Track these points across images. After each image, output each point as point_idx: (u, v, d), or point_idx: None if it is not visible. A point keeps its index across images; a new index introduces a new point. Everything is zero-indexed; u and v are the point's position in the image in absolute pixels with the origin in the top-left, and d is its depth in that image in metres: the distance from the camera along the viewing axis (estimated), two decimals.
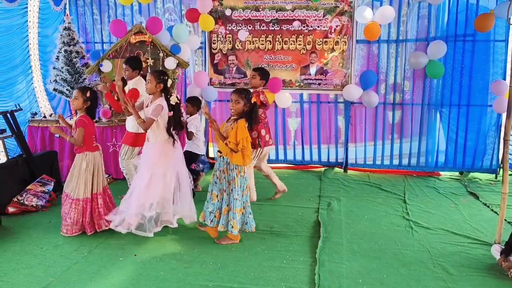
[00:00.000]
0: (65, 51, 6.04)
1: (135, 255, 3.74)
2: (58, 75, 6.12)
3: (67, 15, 6.40)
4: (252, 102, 3.92)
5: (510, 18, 3.77)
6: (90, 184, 4.18)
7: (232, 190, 3.93)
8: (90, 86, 4.83)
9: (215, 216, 4.03)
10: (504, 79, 5.91)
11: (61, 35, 6.11)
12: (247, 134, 3.89)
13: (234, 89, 4.07)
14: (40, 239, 4.06)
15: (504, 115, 5.44)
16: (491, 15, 5.58)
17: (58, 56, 6.11)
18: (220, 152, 4.00)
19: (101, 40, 6.93)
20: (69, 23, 6.16)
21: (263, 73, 5.09)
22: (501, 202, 3.86)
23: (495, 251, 3.67)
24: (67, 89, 6.13)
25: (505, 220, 3.97)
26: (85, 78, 6.18)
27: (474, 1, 5.99)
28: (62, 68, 6.08)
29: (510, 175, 5.77)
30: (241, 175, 3.92)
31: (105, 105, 5.92)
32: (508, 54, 5.91)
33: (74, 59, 6.09)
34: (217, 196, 4.04)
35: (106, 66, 5.77)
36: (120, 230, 4.02)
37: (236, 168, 3.90)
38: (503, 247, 3.63)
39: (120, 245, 3.93)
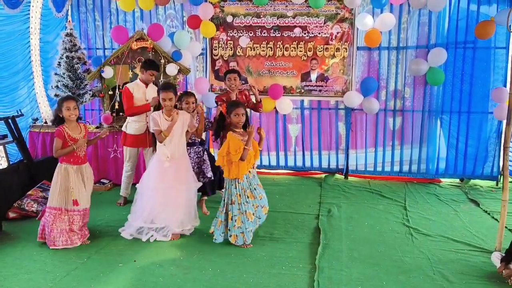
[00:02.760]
0: (67, 57, 6.07)
1: (135, 261, 3.74)
2: (59, 81, 6.14)
3: (69, 21, 6.42)
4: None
5: (510, 26, 3.77)
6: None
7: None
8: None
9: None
10: (505, 86, 5.91)
11: (62, 41, 6.14)
12: None
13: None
14: (40, 245, 4.07)
15: (504, 122, 5.44)
16: (491, 22, 5.59)
17: (59, 62, 6.13)
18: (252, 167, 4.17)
19: (103, 46, 6.96)
20: (71, 29, 6.19)
21: (239, 73, 5.34)
22: (501, 209, 3.85)
23: (495, 258, 3.66)
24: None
25: (505, 227, 3.96)
26: (86, 84, 6.21)
27: (475, 8, 6.01)
28: (64, 74, 6.10)
29: (510, 182, 5.77)
30: None
31: (106, 111, 5.94)
32: (509, 61, 5.91)
33: (75, 65, 6.11)
34: (253, 214, 4.09)
35: (108, 72, 5.78)
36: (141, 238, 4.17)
37: None
38: (503, 254, 3.62)
39: (120, 251, 3.93)
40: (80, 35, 6.81)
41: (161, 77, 5.88)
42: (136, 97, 5.04)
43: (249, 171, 4.10)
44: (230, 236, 4.05)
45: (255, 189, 4.14)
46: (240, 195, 4.04)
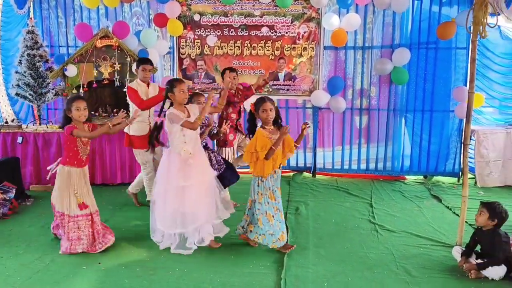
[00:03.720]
0: (28, 55, 5.90)
1: (99, 263, 3.67)
2: (20, 80, 5.96)
3: (30, 18, 6.24)
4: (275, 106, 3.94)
5: (470, 27, 3.90)
6: None
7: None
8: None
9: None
10: (465, 85, 6.09)
11: (24, 38, 5.97)
12: None
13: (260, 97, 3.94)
14: (0, 248, 3.94)
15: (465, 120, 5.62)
16: (452, 23, 5.77)
17: (20, 60, 5.96)
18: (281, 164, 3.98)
19: (66, 44, 6.79)
20: (32, 26, 6.01)
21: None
22: (461, 205, 3.98)
23: (456, 252, 3.77)
24: (29, 94, 5.98)
25: (466, 222, 4.08)
26: (48, 83, 6.04)
27: (437, 9, 6.18)
28: (25, 72, 5.93)
29: (470, 178, 5.98)
30: None
31: None
32: (469, 61, 6.10)
33: (37, 63, 5.95)
34: (272, 216, 3.91)
35: (71, 71, 5.65)
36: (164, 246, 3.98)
37: None
38: (463, 249, 3.74)
39: (84, 254, 3.84)
40: (42, 33, 6.63)
41: (127, 76, 5.79)
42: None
43: (275, 171, 3.90)
44: (260, 235, 3.88)
45: (274, 191, 3.93)
46: (262, 194, 3.88)
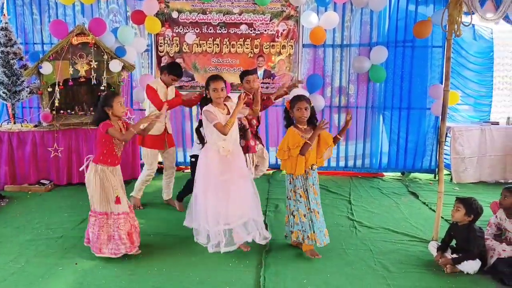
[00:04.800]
0: (2, 52, 5.75)
1: (76, 263, 3.61)
2: None
3: (4, 14, 6.09)
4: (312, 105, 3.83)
5: (445, 25, 3.96)
6: None
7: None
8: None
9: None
10: (441, 83, 6.19)
11: None
12: None
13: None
14: None
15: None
16: (428, 22, 5.86)
17: None
18: (314, 165, 3.85)
19: (41, 41, 6.65)
20: (6, 23, 5.87)
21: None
22: (437, 200, 4.05)
23: (432, 248, 3.84)
24: (3, 92, 5.84)
25: (442, 218, 4.16)
26: (23, 81, 5.91)
27: (413, 8, 6.27)
28: None
29: (446, 175, 6.09)
30: None
31: (45, 108, 5.69)
32: (444, 59, 6.21)
33: (11, 61, 5.80)
34: (304, 215, 3.79)
35: (46, 68, 5.54)
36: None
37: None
38: (439, 244, 3.81)
39: (60, 254, 3.79)
40: (16, 29, 6.49)
41: (104, 73, 5.70)
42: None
43: (306, 171, 3.78)
44: (292, 232, 3.84)
45: (306, 190, 3.80)
46: (294, 191, 3.81)
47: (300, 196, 3.79)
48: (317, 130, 3.68)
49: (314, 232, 3.74)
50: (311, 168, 3.82)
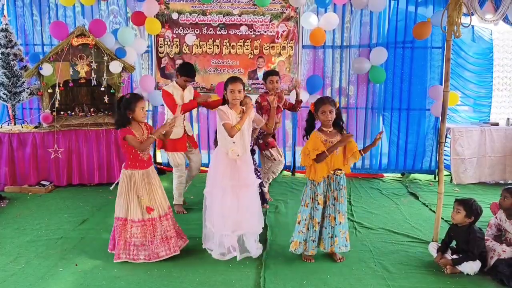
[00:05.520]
0: (2, 53, 5.76)
1: (76, 264, 3.61)
2: None
3: (4, 16, 6.10)
4: (337, 106, 3.66)
5: (444, 27, 3.97)
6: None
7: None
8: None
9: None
10: (441, 84, 6.20)
11: None
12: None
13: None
14: None
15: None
16: (428, 23, 5.87)
17: None
18: (340, 170, 3.70)
19: (42, 42, 6.66)
20: (6, 24, 5.87)
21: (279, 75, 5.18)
22: (437, 201, 4.05)
23: (432, 248, 3.84)
24: (4, 93, 5.84)
25: (442, 218, 4.16)
26: (23, 82, 5.91)
27: (413, 9, 6.28)
28: None
29: (446, 175, 6.08)
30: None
31: (45, 109, 5.70)
32: (444, 60, 6.22)
33: (12, 62, 5.81)
34: (318, 223, 3.70)
35: (46, 69, 5.55)
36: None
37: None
38: (439, 244, 3.81)
39: (60, 255, 3.78)
40: (16, 31, 6.50)
41: (104, 74, 5.71)
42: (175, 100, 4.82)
43: (328, 176, 3.66)
44: (292, 241, 3.77)
45: (325, 196, 3.70)
46: (313, 198, 3.69)
47: (318, 204, 3.67)
48: (340, 143, 3.57)
49: (322, 239, 3.70)
50: (335, 173, 3.67)
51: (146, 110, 3.84)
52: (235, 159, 3.77)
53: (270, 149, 5.21)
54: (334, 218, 3.69)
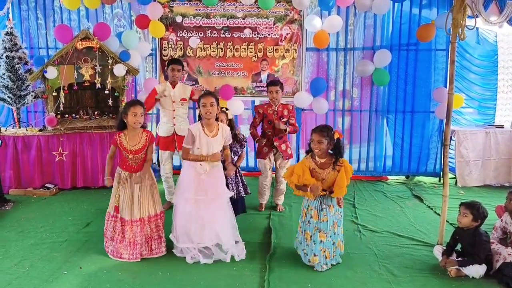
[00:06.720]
0: (7, 57, 5.79)
1: (80, 267, 3.62)
2: None
3: (9, 19, 6.13)
4: (335, 138, 3.55)
5: (449, 29, 3.96)
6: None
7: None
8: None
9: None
10: (445, 86, 6.18)
11: (2, 40, 5.85)
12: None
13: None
14: None
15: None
16: (432, 25, 5.86)
17: None
18: (325, 191, 3.60)
19: (46, 45, 6.70)
20: (11, 28, 5.90)
21: (282, 86, 5.13)
22: (442, 204, 4.03)
23: (437, 252, 3.83)
24: (9, 96, 5.87)
25: (447, 221, 4.14)
26: (28, 85, 5.94)
27: (417, 12, 6.26)
28: (4, 74, 5.82)
29: (451, 178, 6.07)
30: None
31: (50, 112, 5.72)
32: (448, 62, 6.20)
33: (16, 65, 5.84)
34: (310, 236, 3.66)
35: (51, 73, 5.56)
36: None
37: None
38: (444, 248, 3.79)
39: (64, 258, 3.79)
40: (21, 34, 6.53)
41: (109, 78, 5.73)
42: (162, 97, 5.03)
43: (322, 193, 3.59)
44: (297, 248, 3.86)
45: (322, 209, 3.63)
46: (306, 212, 3.70)
47: (311, 217, 3.65)
48: (308, 191, 3.51)
49: (315, 255, 3.63)
50: (328, 192, 3.61)
51: (146, 114, 3.88)
52: (201, 173, 3.79)
53: (259, 160, 5.19)
54: (310, 236, 3.65)
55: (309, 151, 3.70)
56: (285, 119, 5.02)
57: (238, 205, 4.53)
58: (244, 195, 4.67)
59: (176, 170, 5.30)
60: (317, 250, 3.61)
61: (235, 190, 4.50)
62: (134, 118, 3.69)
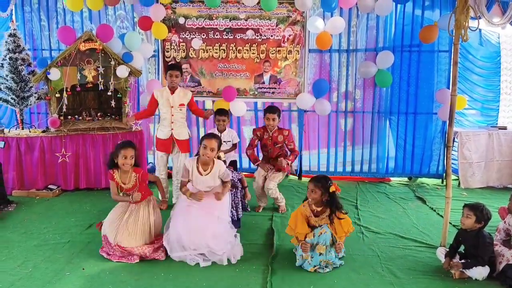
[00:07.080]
0: (10, 58, 5.79)
1: (83, 269, 3.62)
2: (2, 84, 5.85)
3: (12, 21, 6.15)
4: (331, 191, 3.60)
5: (452, 30, 3.95)
6: None
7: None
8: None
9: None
10: (448, 87, 6.16)
11: (6, 41, 5.86)
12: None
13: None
14: None
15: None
16: (435, 27, 5.85)
17: (2, 64, 5.83)
18: None
19: (49, 47, 6.71)
20: (14, 29, 5.91)
21: (279, 114, 5.19)
22: (445, 206, 4.02)
23: (440, 253, 3.81)
24: (12, 98, 5.88)
25: (450, 223, 4.13)
26: (31, 87, 5.95)
27: (420, 13, 6.25)
28: (7, 76, 5.82)
29: (454, 180, 6.05)
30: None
31: (53, 114, 5.73)
32: (451, 64, 6.19)
33: (19, 67, 5.84)
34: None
35: (54, 74, 5.57)
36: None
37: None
38: (448, 249, 3.78)
39: (67, 260, 3.79)
40: (24, 36, 6.53)
41: (111, 79, 5.74)
42: (160, 102, 5.17)
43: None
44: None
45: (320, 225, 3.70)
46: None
47: (316, 250, 3.64)
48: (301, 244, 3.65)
49: (314, 266, 3.64)
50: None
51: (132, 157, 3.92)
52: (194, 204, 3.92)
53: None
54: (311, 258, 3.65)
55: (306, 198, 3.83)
56: (279, 145, 5.15)
57: (233, 223, 4.50)
58: (240, 216, 4.73)
59: (172, 171, 5.45)
60: (317, 262, 3.62)
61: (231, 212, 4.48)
62: (124, 160, 3.84)
